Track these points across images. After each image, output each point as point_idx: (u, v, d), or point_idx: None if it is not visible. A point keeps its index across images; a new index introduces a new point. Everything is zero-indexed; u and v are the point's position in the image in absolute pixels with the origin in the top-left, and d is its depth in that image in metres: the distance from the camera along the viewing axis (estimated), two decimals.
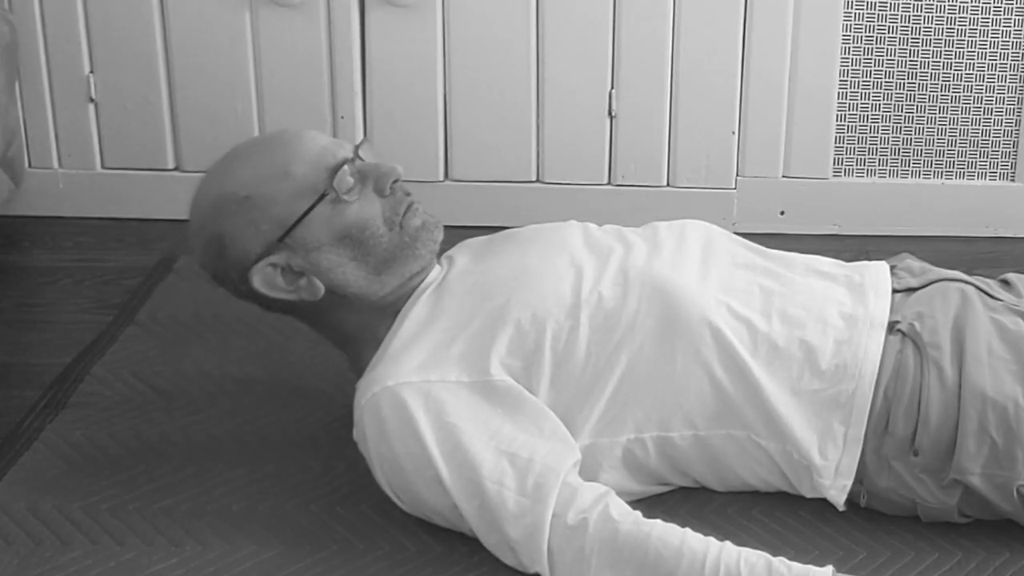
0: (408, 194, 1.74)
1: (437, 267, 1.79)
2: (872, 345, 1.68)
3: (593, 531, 1.53)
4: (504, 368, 1.65)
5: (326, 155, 1.70)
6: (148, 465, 1.80)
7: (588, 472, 1.65)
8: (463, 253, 1.85)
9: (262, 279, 1.70)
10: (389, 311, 1.74)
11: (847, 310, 1.71)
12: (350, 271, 1.71)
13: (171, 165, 2.62)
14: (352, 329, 1.76)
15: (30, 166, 2.63)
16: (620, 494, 1.61)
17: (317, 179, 1.68)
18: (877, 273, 1.78)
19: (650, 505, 1.71)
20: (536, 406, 1.64)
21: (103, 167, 2.63)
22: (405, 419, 1.61)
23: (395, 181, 1.72)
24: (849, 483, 1.66)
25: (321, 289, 1.71)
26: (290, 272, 1.70)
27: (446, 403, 1.61)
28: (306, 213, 1.68)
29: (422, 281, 1.76)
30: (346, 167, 1.69)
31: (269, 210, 1.68)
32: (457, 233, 2.25)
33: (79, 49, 2.55)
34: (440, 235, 1.76)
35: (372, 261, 1.71)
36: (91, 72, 2.57)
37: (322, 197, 1.68)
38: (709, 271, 1.74)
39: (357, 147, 1.73)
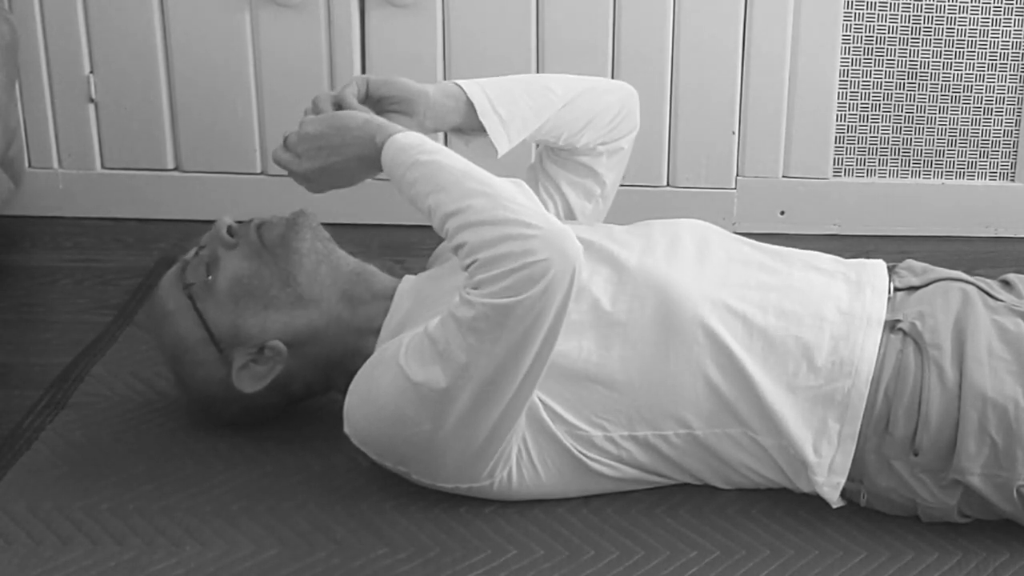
0: (252, 222, 1.79)
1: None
2: (868, 343, 1.68)
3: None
4: None
5: (175, 272, 1.80)
6: (148, 465, 1.80)
7: (583, 459, 1.68)
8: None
9: (248, 381, 1.77)
10: (363, 330, 1.77)
11: (844, 307, 1.71)
12: (275, 317, 1.76)
13: (171, 165, 2.63)
14: (341, 355, 1.78)
15: (30, 166, 2.63)
16: (613, 481, 1.68)
17: (180, 291, 1.78)
18: (874, 271, 1.78)
19: (650, 505, 1.71)
20: None
21: (103, 167, 2.63)
22: (370, 364, 1.66)
23: (229, 228, 1.79)
24: (843, 480, 1.67)
25: (280, 346, 1.75)
26: (258, 357, 1.76)
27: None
28: (200, 317, 1.75)
29: (386, 290, 1.80)
30: (188, 262, 1.79)
31: (188, 345, 1.77)
32: None
33: (79, 49, 2.55)
34: (314, 220, 1.81)
35: (278, 294, 1.76)
36: (91, 72, 2.57)
37: (190, 296, 1.76)
38: (704, 267, 1.74)
39: (200, 246, 1.81)
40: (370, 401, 1.63)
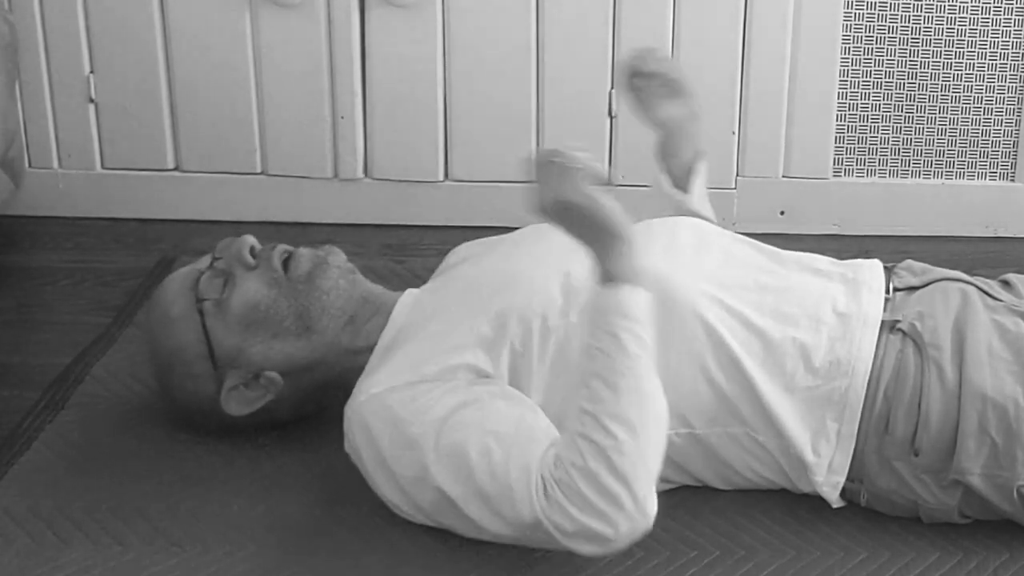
0: (277, 248, 1.78)
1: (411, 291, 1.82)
2: (865, 342, 1.68)
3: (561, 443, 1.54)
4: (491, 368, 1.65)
5: (188, 280, 1.78)
6: (148, 465, 1.80)
7: None
8: (458, 256, 1.87)
9: (236, 404, 1.76)
10: (361, 349, 1.76)
11: (841, 307, 1.71)
12: (279, 347, 1.75)
13: (171, 165, 2.62)
14: (335, 378, 1.77)
15: (30, 166, 2.63)
16: None
17: (190, 302, 1.76)
18: (871, 271, 1.78)
19: None
20: (510, 392, 1.64)
21: (103, 167, 2.63)
22: (389, 420, 1.62)
23: (251, 248, 1.78)
24: (842, 480, 1.67)
25: (276, 377, 1.75)
26: (251, 382, 1.75)
27: (428, 400, 1.61)
28: (205, 332, 1.74)
29: (386, 306, 1.78)
30: (204, 274, 1.77)
31: (185, 356, 1.76)
32: (457, 233, 2.26)
33: (79, 49, 2.55)
34: (340, 258, 1.80)
35: (289, 326, 1.75)
36: (91, 72, 2.57)
37: (200, 311, 1.75)
38: (702, 267, 1.74)
39: (215, 256, 1.80)
40: (384, 464, 1.62)
